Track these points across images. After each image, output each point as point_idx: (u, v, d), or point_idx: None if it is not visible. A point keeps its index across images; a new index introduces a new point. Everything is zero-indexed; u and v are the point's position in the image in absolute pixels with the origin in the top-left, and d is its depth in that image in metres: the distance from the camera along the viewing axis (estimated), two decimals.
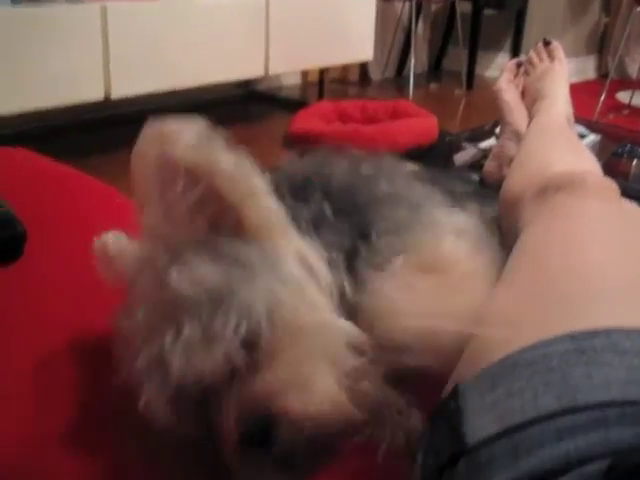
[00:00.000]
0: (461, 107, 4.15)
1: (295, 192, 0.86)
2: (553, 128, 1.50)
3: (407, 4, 4.55)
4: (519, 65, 1.91)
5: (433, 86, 4.62)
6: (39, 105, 2.52)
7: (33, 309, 0.98)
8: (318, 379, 0.65)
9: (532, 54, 1.89)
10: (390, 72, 4.82)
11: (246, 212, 0.70)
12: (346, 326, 0.71)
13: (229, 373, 0.63)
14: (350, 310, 0.75)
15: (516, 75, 1.90)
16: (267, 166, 0.83)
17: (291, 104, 3.68)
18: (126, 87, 2.74)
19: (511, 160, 1.68)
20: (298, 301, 0.68)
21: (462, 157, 2.04)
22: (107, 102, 2.70)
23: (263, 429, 0.62)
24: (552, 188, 1.03)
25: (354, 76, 4.62)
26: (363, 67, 4.65)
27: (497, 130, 2.15)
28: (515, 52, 4.62)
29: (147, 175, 0.67)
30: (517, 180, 1.25)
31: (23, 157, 1.58)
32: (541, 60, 1.86)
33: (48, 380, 0.85)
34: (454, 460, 0.59)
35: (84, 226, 1.17)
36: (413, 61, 4.25)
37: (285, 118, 3.34)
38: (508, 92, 1.83)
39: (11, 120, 2.50)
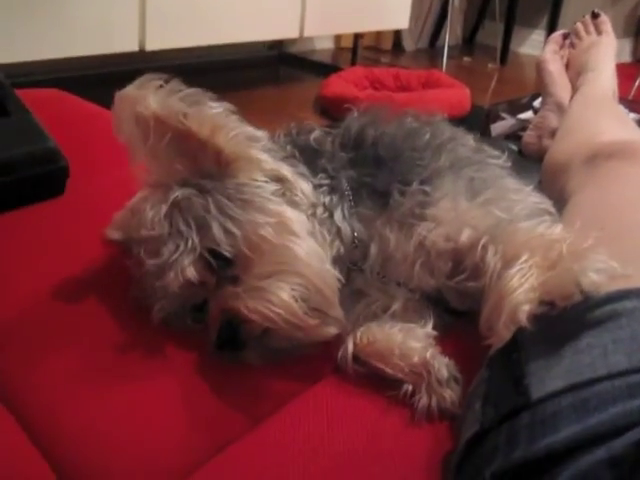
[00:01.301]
0: (493, 82, 4.10)
1: (346, 140, 0.91)
2: (599, 99, 1.49)
3: None
4: (565, 37, 1.88)
5: (466, 59, 4.56)
6: (73, 53, 2.50)
7: (72, 241, 0.98)
8: (276, 290, 0.73)
9: (579, 26, 1.85)
10: (423, 43, 4.77)
11: (218, 142, 0.79)
12: (310, 249, 0.79)
13: (216, 284, 0.77)
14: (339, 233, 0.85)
15: (561, 47, 1.86)
16: None
17: (323, 68, 3.65)
18: (161, 40, 2.71)
19: (552, 131, 1.66)
20: (268, 224, 0.77)
21: (500, 127, 2.02)
22: (141, 54, 2.68)
23: (230, 325, 0.74)
24: (603, 156, 1.02)
25: (387, 45, 4.56)
26: (396, 36, 4.60)
27: (535, 103, 2.12)
28: (551, 29, 4.52)
29: (128, 132, 0.78)
30: (563, 149, 1.24)
31: (59, 98, 1.57)
32: (588, 33, 1.83)
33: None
34: (516, 412, 0.59)
35: (120, 163, 1.16)
36: (448, 33, 4.19)
37: (316, 82, 3.32)
38: (553, 63, 1.79)
39: (44, 67, 2.49)
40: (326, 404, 0.76)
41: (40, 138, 1.08)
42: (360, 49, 3.84)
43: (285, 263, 0.76)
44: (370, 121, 0.92)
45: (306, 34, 3.28)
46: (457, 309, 0.85)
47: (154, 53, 2.72)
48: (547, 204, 0.85)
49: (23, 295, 0.89)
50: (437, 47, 4.67)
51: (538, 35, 4.73)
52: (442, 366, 0.76)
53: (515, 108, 2.18)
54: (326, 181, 0.86)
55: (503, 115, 2.07)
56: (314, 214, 0.84)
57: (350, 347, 0.79)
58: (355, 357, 0.79)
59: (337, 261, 0.82)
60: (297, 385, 0.79)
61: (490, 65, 4.38)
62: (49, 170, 1.06)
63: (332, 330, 0.77)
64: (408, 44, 4.67)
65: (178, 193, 0.78)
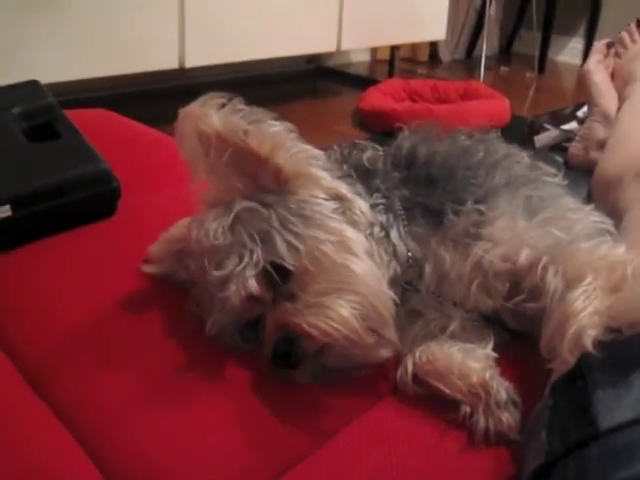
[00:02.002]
0: (532, 91, 4.07)
1: (398, 160, 0.90)
2: None
3: None
4: (609, 46, 1.85)
5: (503, 69, 4.53)
6: (114, 72, 2.54)
7: (125, 261, 0.98)
8: (336, 306, 0.73)
9: (624, 35, 1.82)
10: (460, 53, 4.75)
11: (277, 160, 0.80)
12: (368, 269, 0.78)
13: (271, 300, 0.77)
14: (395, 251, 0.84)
15: (606, 56, 1.83)
16: (333, 141, 0.97)
17: (360, 81, 3.65)
18: (200, 56, 2.74)
19: (599, 143, 1.64)
20: (329, 242, 0.77)
21: (543, 139, 1.99)
22: (180, 71, 2.71)
23: (287, 340, 0.73)
24: None
25: (423, 56, 4.56)
26: (433, 47, 4.59)
27: (579, 113, 2.09)
28: (590, 37, 4.50)
29: (190, 148, 0.80)
30: (614, 162, 1.23)
31: (107, 117, 1.59)
32: (633, 41, 1.79)
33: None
34: (584, 442, 0.58)
35: (170, 182, 1.17)
36: (485, 43, 4.17)
37: (353, 95, 3.32)
38: (598, 73, 1.76)
39: (84, 85, 2.53)
40: (386, 426, 0.75)
41: (91, 160, 1.09)
42: (397, 61, 3.84)
43: (344, 282, 0.76)
44: (422, 139, 0.92)
45: (343, 48, 3.29)
46: (515, 330, 0.84)
47: (192, 70, 2.75)
48: (608, 223, 0.84)
49: (78, 317, 0.90)
50: (474, 57, 4.66)
51: (576, 43, 4.69)
52: (501, 388, 0.75)
53: (558, 119, 2.15)
54: (381, 200, 0.85)
55: (546, 126, 2.04)
56: (371, 234, 0.83)
57: (410, 366, 0.78)
58: (414, 376, 0.78)
59: (393, 282, 0.82)
60: (356, 406, 0.78)
61: (528, 74, 4.35)
62: (101, 191, 1.07)
63: (385, 353, 0.77)
64: (445, 55, 4.66)
65: (241, 205, 0.78)
